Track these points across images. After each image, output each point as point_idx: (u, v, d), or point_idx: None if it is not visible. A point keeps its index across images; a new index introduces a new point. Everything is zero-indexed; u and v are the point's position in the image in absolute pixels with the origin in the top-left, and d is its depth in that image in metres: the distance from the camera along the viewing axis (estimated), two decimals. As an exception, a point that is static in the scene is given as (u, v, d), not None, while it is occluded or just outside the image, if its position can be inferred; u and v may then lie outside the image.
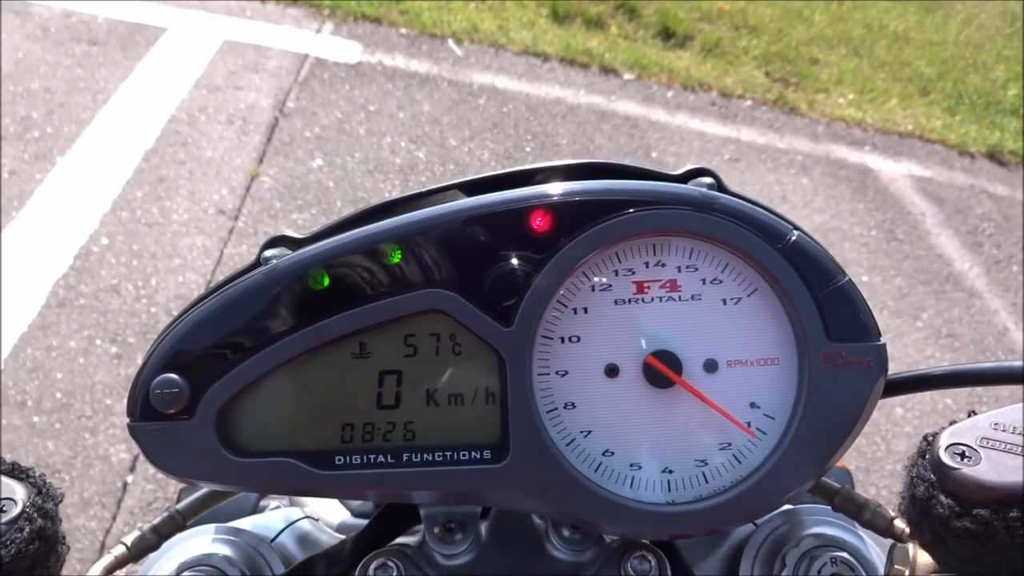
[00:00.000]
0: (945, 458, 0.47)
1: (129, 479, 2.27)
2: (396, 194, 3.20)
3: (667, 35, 5.34)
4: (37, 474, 0.50)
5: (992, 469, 0.46)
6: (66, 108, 3.51)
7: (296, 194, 3.34)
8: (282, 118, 3.77)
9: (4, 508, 0.47)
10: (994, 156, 5.00)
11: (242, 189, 3.31)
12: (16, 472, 0.50)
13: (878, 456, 2.79)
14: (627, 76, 4.81)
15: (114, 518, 2.18)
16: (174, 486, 2.26)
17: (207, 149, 3.48)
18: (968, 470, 0.46)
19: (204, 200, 3.21)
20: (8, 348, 2.50)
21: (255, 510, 0.94)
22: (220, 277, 2.88)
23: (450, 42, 4.67)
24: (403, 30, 4.67)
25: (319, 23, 4.54)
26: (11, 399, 2.37)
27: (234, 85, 3.89)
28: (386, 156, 3.67)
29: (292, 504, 0.92)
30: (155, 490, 2.26)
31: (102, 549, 2.12)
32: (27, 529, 0.46)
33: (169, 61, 3.94)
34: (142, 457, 2.31)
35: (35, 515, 0.47)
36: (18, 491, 0.48)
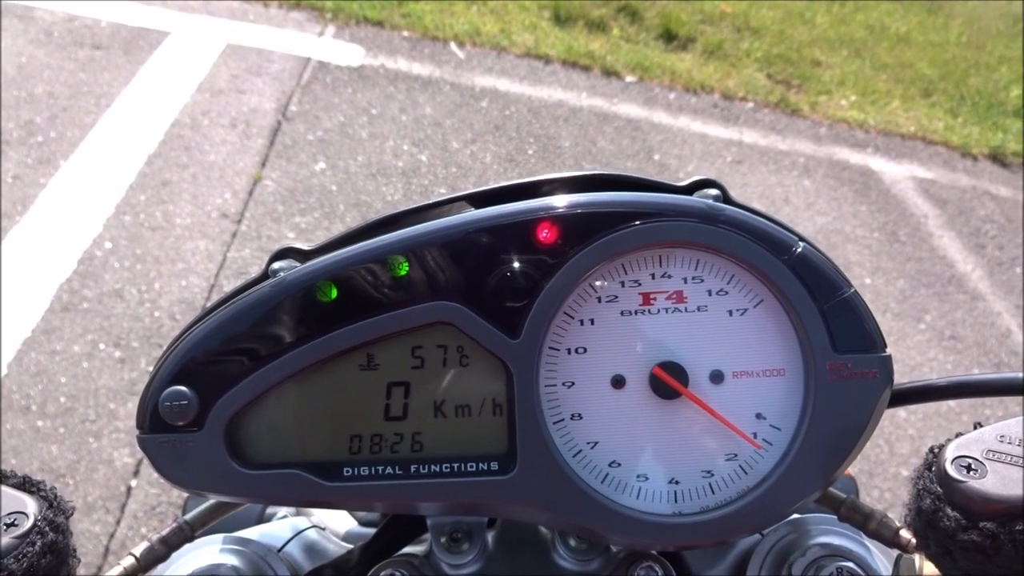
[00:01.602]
0: (951, 471, 0.47)
1: (133, 483, 2.27)
2: (399, 198, 3.20)
3: (669, 37, 5.35)
4: (48, 487, 0.51)
5: (998, 482, 0.46)
6: (69, 112, 3.52)
7: (299, 197, 3.35)
8: (285, 121, 3.77)
9: (16, 522, 0.47)
10: (996, 157, 5.00)
11: (245, 193, 3.31)
12: (27, 486, 0.50)
13: (881, 459, 2.79)
14: (629, 78, 4.81)
15: (118, 523, 2.18)
16: (178, 491, 2.26)
17: (210, 153, 3.48)
18: (974, 483, 0.46)
19: (207, 204, 3.21)
20: (12, 352, 2.51)
21: (261, 520, 0.94)
22: (223, 281, 2.88)
23: (452, 45, 4.67)
24: (405, 33, 4.67)
25: (321, 26, 4.55)
26: (15, 404, 2.38)
27: (237, 89, 3.90)
28: (388, 159, 3.67)
29: (299, 514, 0.93)
30: (159, 494, 2.26)
31: (106, 554, 2.12)
32: (39, 543, 0.46)
33: (172, 65, 3.95)
34: (146, 462, 2.32)
35: (46, 529, 0.47)
36: (29, 505, 0.48)
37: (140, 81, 3.80)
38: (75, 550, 0.51)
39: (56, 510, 0.49)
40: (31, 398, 2.40)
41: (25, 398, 2.40)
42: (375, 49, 4.46)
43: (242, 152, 3.52)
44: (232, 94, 3.86)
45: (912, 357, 3.30)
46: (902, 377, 0.56)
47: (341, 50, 4.38)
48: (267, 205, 3.28)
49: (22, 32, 3.92)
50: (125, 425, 2.37)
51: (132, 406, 2.42)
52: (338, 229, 3.31)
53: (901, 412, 2.96)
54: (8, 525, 0.46)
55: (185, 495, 2.32)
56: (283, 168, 3.49)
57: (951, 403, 3.03)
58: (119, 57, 3.92)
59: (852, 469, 2.74)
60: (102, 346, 2.58)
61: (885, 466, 2.78)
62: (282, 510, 0.96)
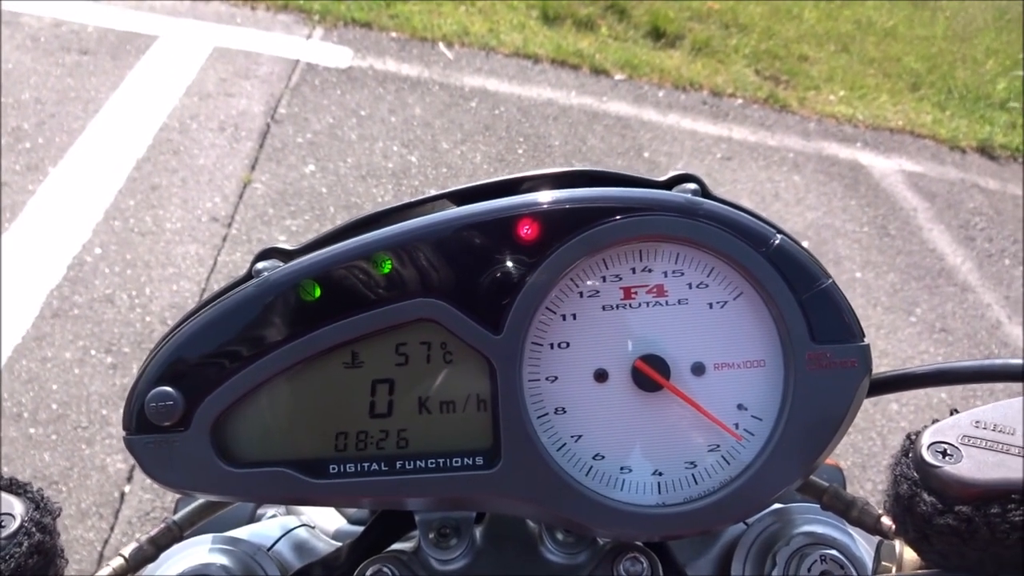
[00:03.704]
0: (927, 456, 0.48)
1: (126, 489, 2.27)
2: (389, 199, 3.22)
3: (657, 35, 5.36)
4: (35, 488, 0.51)
5: (973, 466, 0.47)
6: (57, 118, 3.51)
7: (289, 200, 3.35)
8: (274, 124, 3.77)
9: (3, 523, 0.47)
10: (984, 150, 5.03)
11: (235, 196, 3.31)
12: (14, 487, 0.51)
13: (874, 452, 2.81)
14: (618, 76, 4.82)
15: (112, 529, 2.18)
16: (172, 495, 2.26)
17: (199, 157, 3.48)
18: (950, 468, 0.47)
19: (197, 208, 3.21)
20: (3, 360, 2.50)
21: (252, 519, 0.94)
22: (214, 285, 2.88)
23: (441, 45, 4.67)
24: (393, 34, 4.67)
25: (309, 28, 4.55)
26: (7, 411, 2.37)
27: (225, 92, 3.89)
28: (378, 161, 3.67)
29: (289, 512, 0.93)
30: (152, 500, 2.26)
31: (100, 560, 2.12)
32: (26, 543, 0.47)
33: (160, 69, 3.94)
34: (139, 466, 2.32)
35: (33, 529, 0.48)
36: (16, 506, 0.48)
37: (128, 86, 3.79)
38: (63, 551, 0.51)
39: (43, 511, 0.49)
40: (23, 405, 2.40)
41: (17, 405, 2.39)
42: (363, 50, 4.46)
43: (231, 155, 3.52)
44: (220, 97, 3.85)
45: (903, 350, 3.32)
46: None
47: (329, 52, 4.38)
48: (257, 208, 3.27)
49: (8, 38, 3.90)
50: (118, 431, 2.37)
51: (125, 411, 2.41)
52: (328, 231, 3.32)
53: (893, 405, 2.97)
54: None
55: (177, 498, 2.32)
56: (273, 171, 3.49)
57: (943, 395, 3.05)
58: (106, 62, 3.91)
59: (846, 462, 2.76)
60: (93, 352, 2.58)
61: (878, 459, 2.79)
62: (271, 509, 0.96)
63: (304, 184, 3.45)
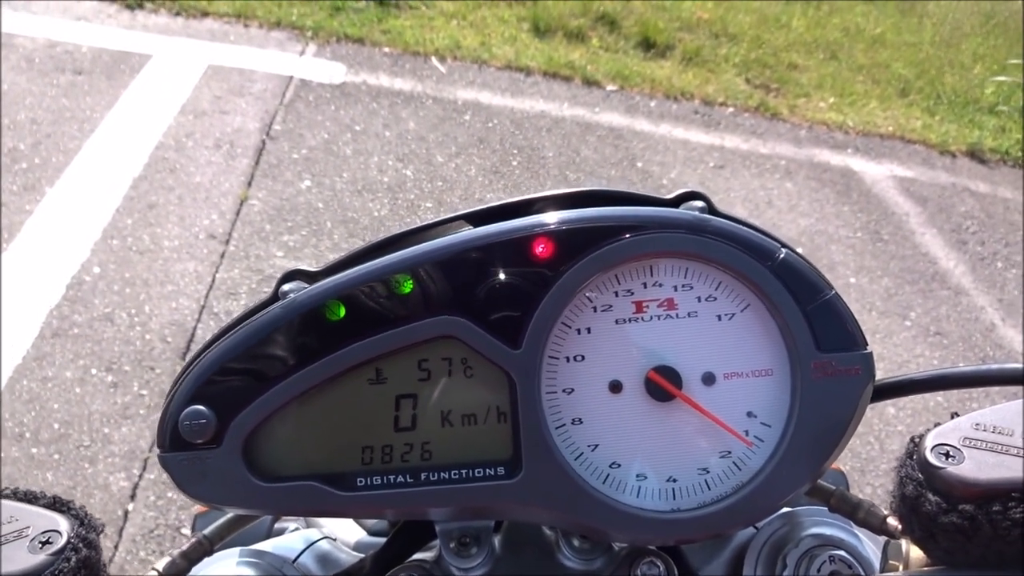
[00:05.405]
0: (931, 458, 0.50)
1: (130, 507, 2.27)
2: (386, 213, 3.22)
3: (648, 46, 5.41)
4: (78, 506, 0.53)
5: (975, 467, 0.49)
6: (53, 138, 3.52)
7: (286, 216, 3.36)
8: (269, 141, 3.79)
9: (50, 540, 0.49)
10: (974, 154, 5.09)
11: (232, 213, 3.33)
12: (58, 504, 0.52)
13: (872, 456, 2.83)
14: (610, 87, 4.86)
15: (116, 547, 2.18)
16: (175, 513, 2.27)
17: (195, 174, 3.50)
18: (952, 468, 0.49)
19: (194, 225, 3.22)
20: (4, 380, 2.51)
21: (270, 533, 0.96)
22: (213, 302, 2.89)
23: (433, 60, 4.71)
24: (386, 49, 4.71)
25: (302, 45, 4.58)
26: (9, 431, 2.38)
27: (220, 109, 3.92)
28: (374, 175, 3.70)
29: (309, 526, 0.95)
30: (156, 517, 2.27)
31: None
32: (73, 559, 0.48)
33: (154, 88, 3.97)
34: (142, 484, 2.33)
35: (80, 545, 0.49)
36: (62, 523, 0.50)
37: (123, 105, 3.81)
38: (106, 565, 0.53)
39: (88, 527, 0.51)
40: (25, 425, 2.40)
41: (19, 425, 2.40)
42: (357, 66, 4.50)
43: (227, 172, 3.54)
44: (215, 115, 3.87)
45: (899, 354, 3.35)
46: (890, 374, 0.59)
47: (323, 68, 4.41)
48: (254, 225, 3.29)
49: (3, 59, 3.92)
50: (120, 449, 2.38)
51: (126, 430, 2.42)
52: (326, 246, 3.31)
53: (890, 409, 3.00)
54: (43, 543, 0.49)
55: (185, 515, 2.32)
56: (269, 187, 3.51)
57: (939, 399, 3.08)
58: (101, 81, 3.93)
59: (845, 466, 2.78)
60: (94, 371, 2.59)
61: (876, 463, 2.82)
62: (292, 523, 0.98)
63: (300, 200, 3.47)
